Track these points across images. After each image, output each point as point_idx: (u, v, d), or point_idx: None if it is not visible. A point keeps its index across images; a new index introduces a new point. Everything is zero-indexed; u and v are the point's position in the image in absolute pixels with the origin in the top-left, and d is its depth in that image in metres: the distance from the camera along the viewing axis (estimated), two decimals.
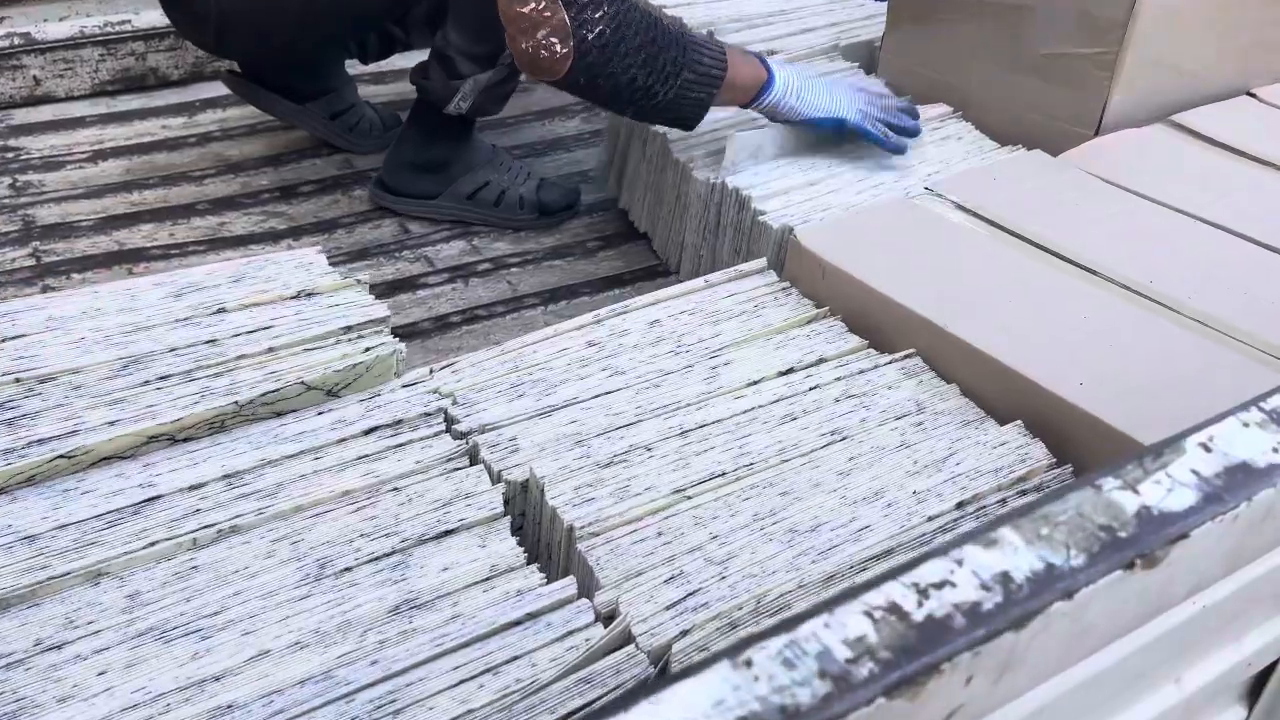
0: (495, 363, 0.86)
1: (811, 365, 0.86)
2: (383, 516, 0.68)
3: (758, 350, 0.87)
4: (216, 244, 1.31)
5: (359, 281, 0.92)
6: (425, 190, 1.35)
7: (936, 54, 1.33)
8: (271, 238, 1.33)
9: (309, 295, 0.90)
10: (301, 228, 1.36)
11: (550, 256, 1.33)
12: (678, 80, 1.08)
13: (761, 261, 1.00)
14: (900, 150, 1.17)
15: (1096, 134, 1.19)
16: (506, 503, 0.73)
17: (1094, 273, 0.92)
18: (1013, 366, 0.80)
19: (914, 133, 1.19)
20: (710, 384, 0.83)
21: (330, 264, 0.94)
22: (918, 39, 1.35)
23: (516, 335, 1.21)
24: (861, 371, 0.84)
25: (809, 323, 0.92)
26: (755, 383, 0.83)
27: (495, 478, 0.74)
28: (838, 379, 0.83)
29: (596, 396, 0.81)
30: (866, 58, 1.45)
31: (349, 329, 0.86)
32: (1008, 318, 0.86)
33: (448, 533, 0.68)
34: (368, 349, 0.83)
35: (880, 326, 0.90)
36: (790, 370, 0.85)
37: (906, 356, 0.86)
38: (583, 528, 0.68)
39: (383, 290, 1.24)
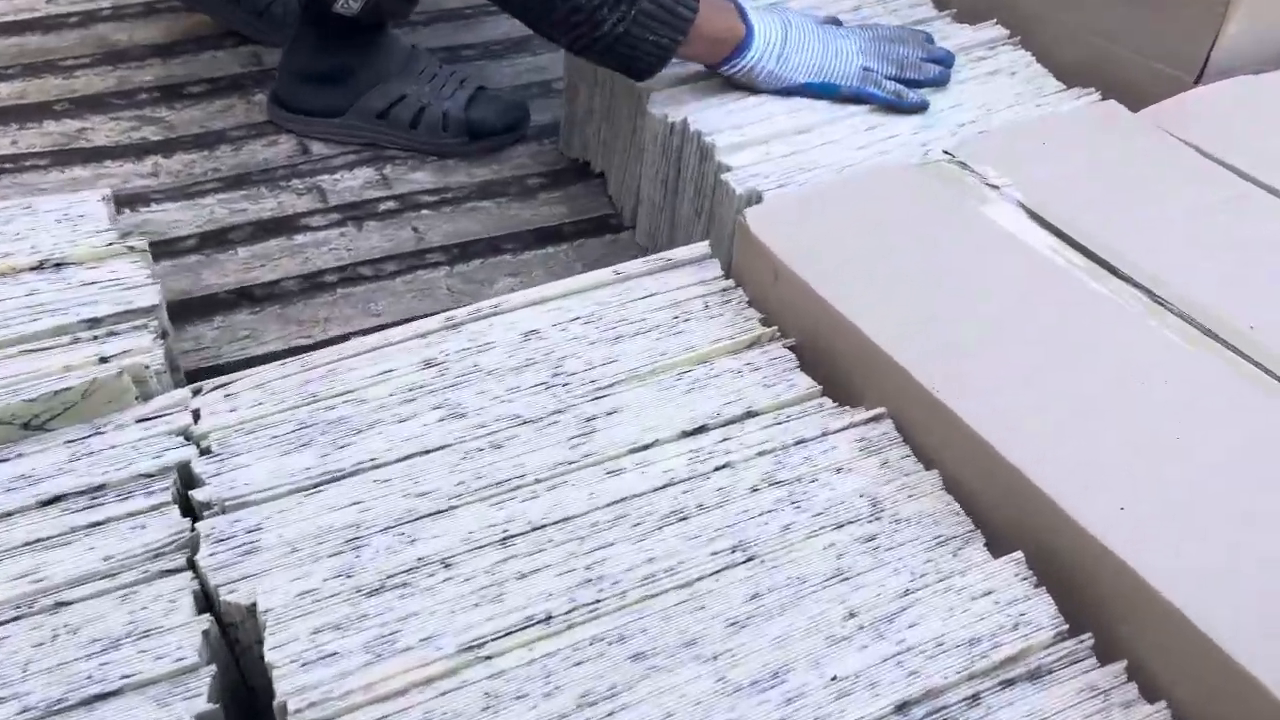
0: (291, 384, 0.62)
1: (733, 422, 0.60)
2: (6, 664, 0.45)
3: (661, 392, 0.61)
4: (64, 158, 1.06)
5: (132, 248, 0.67)
6: (327, 106, 1.08)
7: None
8: (135, 153, 1.07)
9: (56, 266, 0.65)
10: (178, 141, 1.10)
11: (476, 195, 1.06)
12: (632, 9, 0.79)
13: (703, 247, 0.73)
14: (920, 108, 0.87)
15: (1198, 82, 0.88)
16: (226, 634, 0.49)
17: (1179, 313, 0.64)
18: (1021, 468, 0.53)
19: (939, 82, 0.89)
20: (577, 448, 0.58)
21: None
22: None
23: (405, 304, 0.95)
24: (801, 442, 0.58)
25: (746, 348, 0.65)
26: (644, 448, 0.58)
27: (207, 601, 0.50)
28: (764, 452, 0.57)
29: (405, 459, 0.57)
30: None
31: (94, 323, 0.62)
32: (1028, 384, 0.58)
33: (98, 698, 0.45)
34: (104, 359, 0.59)
35: (843, 365, 0.63)
36: (700, 430, 0.59)
37: (872, 420, 0.60)
38: (301, 710, 0.44)
39: (248, 234, 0.99)
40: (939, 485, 0.56)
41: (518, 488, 0.55)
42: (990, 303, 0.63)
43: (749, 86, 0.89)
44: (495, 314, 0.67)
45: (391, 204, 1.03)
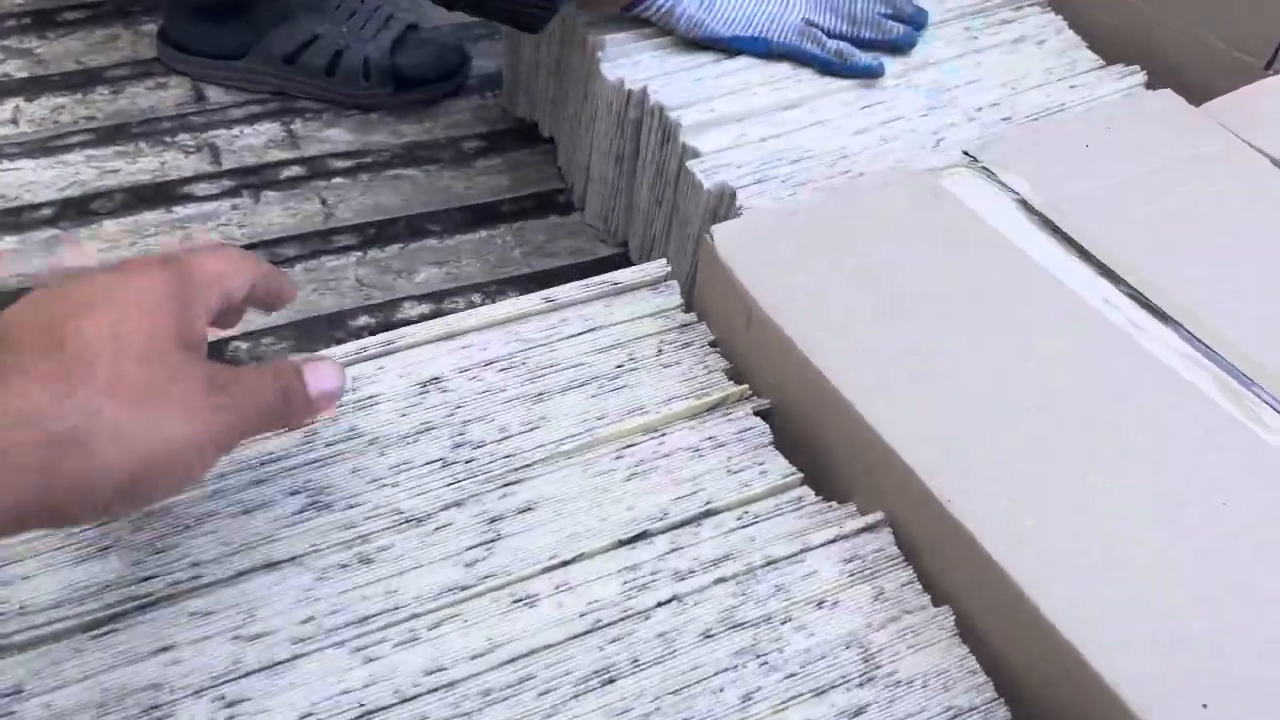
0: None
1: (685, 524, 0.46)
2: None
3: (595, 477, 0.47)
4: None
5: None
6: (223, 47, 0.90)
7: None
8: None
9: None
10: (46, 80, 0.92)
11: (401, 160, 0.89)
12: None
13: (659, 267, 0.58)
14: (869, 73, 0.72)
15: (1269, 68, 0.73)
16: None
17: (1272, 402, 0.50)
18: (1065, 633, 0.40)
19: (902, 45, 0.74)
20: (475, 565, 0.43)
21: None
22: None
23: (304, 299, 0.74)
24: (772, 563, 0.44)
25: (708, 412, 0.51)
26: (564, 564, 0.44)
27: None
28: (723, 579, 0.43)
29: (239, 576, 0.42)
30: None
31: None
32: (1079, 508, 0.44)
33: None
34: None
35: (829, 444, 0.49)
36: (641, 537, 0.45)
37: (866, 530, 0.46)
38: None
39: (118, 202, 0.82)
40: (951, 629, 0.42)
41: (388, 626, 0.41)
42: (1030, 379, 0.48)
43: (669, 30, 0.73)
44: (387, 352, 0.52)
45: (297, 169, 0.87)
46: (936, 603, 0.43)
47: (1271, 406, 0.48)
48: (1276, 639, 0.39)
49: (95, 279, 0.34)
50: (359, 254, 0.81)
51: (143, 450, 0.32)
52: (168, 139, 0.88)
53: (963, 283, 0.53)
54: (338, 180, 0.86)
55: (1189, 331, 0.51)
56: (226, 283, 0.38)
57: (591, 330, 0.54)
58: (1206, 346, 0.50)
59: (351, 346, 0.52)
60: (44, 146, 0.86)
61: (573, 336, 0.54)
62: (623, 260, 0.82)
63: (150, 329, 0.33)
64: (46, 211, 0.81)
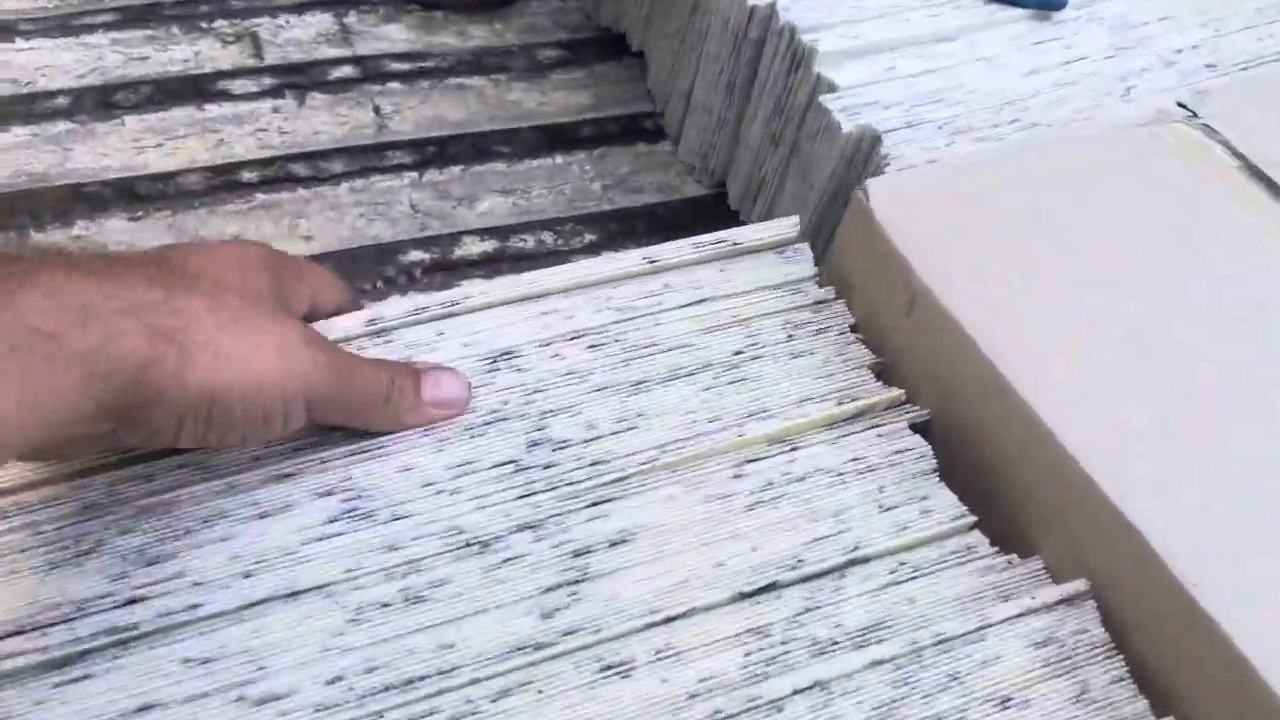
0: None
1: (824, 575, 0.35)
2: None
3: (708, 504, 0.36)
4: None
5: None
6: None
7: None
8: None
9: None
10: None
11: (466, 68, 0.77)
12: None
13: (789, 226, 0.46)
14: (1050, 4, 0.59)
15: None
16: None
17: None
18: None
19: None
20: (553, 617, 0.33)
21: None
22: None
23: (350, 225, 0.62)
24: (944, 641, 0.34)
25: (849, 421, 0.40)
26: (667, 621, 0.33)
27: None
28: (878, 661, 0.33)
29: (248, 608, 0.32)
30: None
31: None
32: None
33: None
34: None
35: (1015, 482, 0.38)
36: (767, 589, 0.35)
37: (1065, 602, 0.35)
38: None
39: (144, 96, 0.70)
40: None
41: (440, 693, 0.31)
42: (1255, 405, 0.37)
43: None
44: (449, 314, 0.41)
45: (349, 70, 0.75)
46: (1158, 709, 0.33)
47: None
48: None
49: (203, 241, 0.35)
50: (414, 175, 0.70)
51: (234, 370, 0.31)
52: (204, 25, 0.76)
53: (1190, 270, 0.41)
54: (394, 86, 0.75)
55: None
56: (320, 294, 0.39)
57: (703, 302, 0.43)
58: None
59: (408, 305, 0.41)
60: (65, 25, 0.75)
61: (679, 309, 0.43)
62: (719, 204, 0.70)
63: (251, 281, 0.34)
64: (63, 101, 0.70)
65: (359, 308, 0.41)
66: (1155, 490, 0.34)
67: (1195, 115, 0.49)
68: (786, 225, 0.46)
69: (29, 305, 0.27)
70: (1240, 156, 0.47)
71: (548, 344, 0.41)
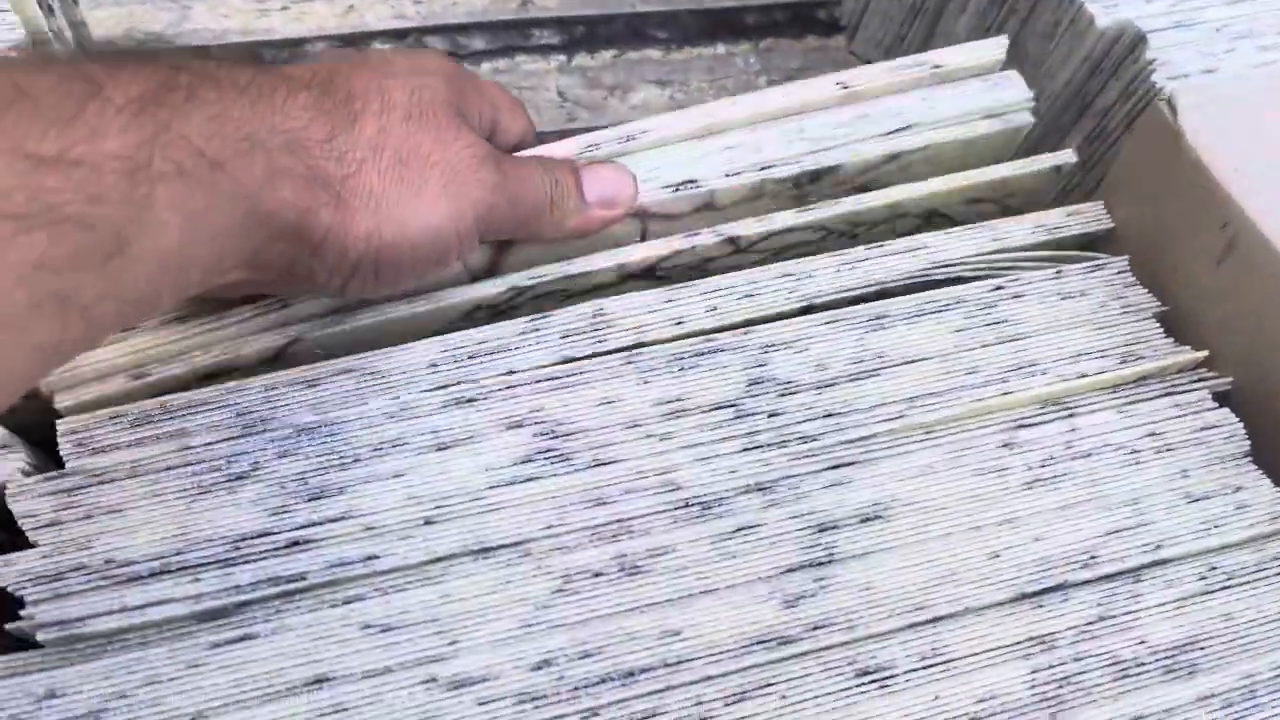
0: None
1: (1117, 576, 0.28)
2: None
3: (972, 474, 0.29)
4: None
5: None
6: None
7: None
8: None
9: None
10: None
11: None
12: None
13: (998, 45, 0.37)
14: None
15: None
16: None
17: None
18: None
19: None
20: (797, 606, 0.26)
21: None
22: None
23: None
24: (1278, 676, 0.27)
25: (1135, 385, 0.33)
26: (932, 620, 0.27)
27: None
28: (1204, 696, 0.26)
29: (420, 566, 0.27)
30: None
31: None
32: None
33: None
34: None
35: None
36: (1053, 591, 0.28)
37: None
38: None
39: None
40: None
41: (665, 690, 0.25)
42: None
43: None
44: (625, 150, 0.34)
45: None
46: None
47: None
48: None
49: (375, 50, 0.32)
50: (562, 58, 0.62)
51: (400, 220, 0.29)
52: None
53: None
54: None
55: None
56: (502, 115, 0.35)
57: (907, 129, 0.35)
58: None
59: (579, 143, 0.35)
60: None
61: (879, 139, 0.35)
62: None
63: (422, 90, 0.31)
64: None
65: (537, 141, 0.37)
66: None
67: None
68: (992, 47, 0.38)
69: (195, 126, 0.24)
70: None
71: (737, 174, 0.34)
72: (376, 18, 0.63)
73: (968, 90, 0.38)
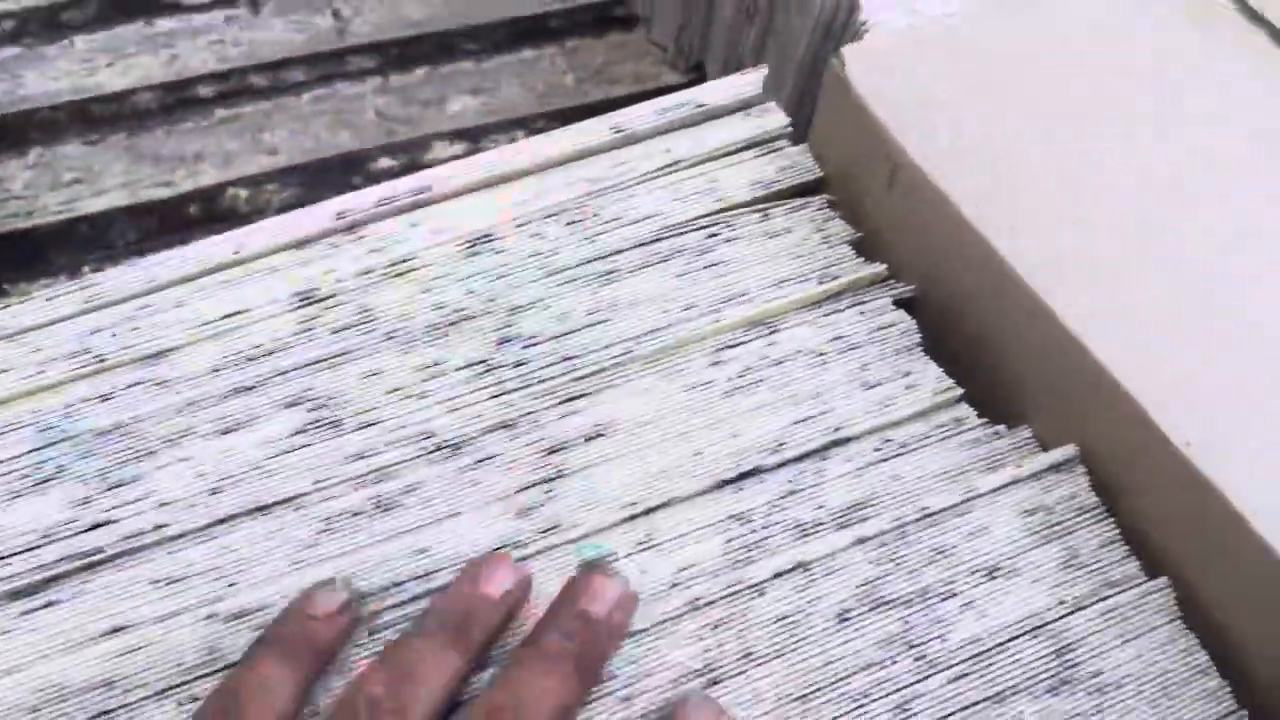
0: (64, 338, 0.36)
1: (805, 458, 0.34)
2: None
3: (685, 392, 0.35)
4: None
5: None
6: None
7: None
8: None
9: None
10: None
11: None
12: None
13: (754, 80, 0.44)
14: None
15: None
16: None
17: None
18: None
19: None
20: (528, 514, 0.32)
21: None
22: None
23: (315, 134, 0.57)
24: (928, 516, 0.33)
25: (830, 300, 0.38)
26: (644, 513, 0.32)
27: None
28: (862, 539, 0.32)
29: (215, 525, 0.32)
30: None
31: None
32: None
33: None
34: None
35: (1004, 352, 0.37)
36: (749, 475, 0.34)
37: (1054, 469, 0.34)
38: None
39: (91, 13, 0.67)
40: (1171, 610, 0.32)
41: (414, 598, 0.30)
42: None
43: None
44: (419, 204, 0.40)
45: None
46: (1150, 571, 0.32)
47: None
48: None
49: None
50: (379, 79, 0.67)
51: None
52: None
53: (1187, 124, 0.39)
54: None
55: None
56: None
57: (673, 168, 0.41)
58: None
59: (375, 195, 0.40)
60: None
61: (651, 178, 0.41)
62: None
63: None
64: (8, 25, 0.67)
65: None
66: (1147, 352, 0.33)
67: None
68: (751, 80, 0.44)
69: None
70: (1255, 18, 0.44)
71: (523, 223, 0.39)
72: (201, 63, 0.67)
73: (730, 123, 0.43)
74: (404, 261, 0.38)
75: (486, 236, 0.39)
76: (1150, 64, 0.41)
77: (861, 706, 0.29)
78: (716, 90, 0.44)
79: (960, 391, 0.36)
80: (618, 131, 0.42)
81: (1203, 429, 0.31)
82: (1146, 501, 0.33)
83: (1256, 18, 0.43)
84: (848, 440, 0.35)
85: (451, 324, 0.37)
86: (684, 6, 0.65)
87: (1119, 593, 0.32)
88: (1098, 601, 0.31)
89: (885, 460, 0.34)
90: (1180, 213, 0.37)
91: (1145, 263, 0.35)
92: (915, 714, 0.29)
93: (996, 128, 0.39)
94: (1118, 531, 0.33)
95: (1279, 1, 0.43)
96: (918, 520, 0.32)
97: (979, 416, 0.36)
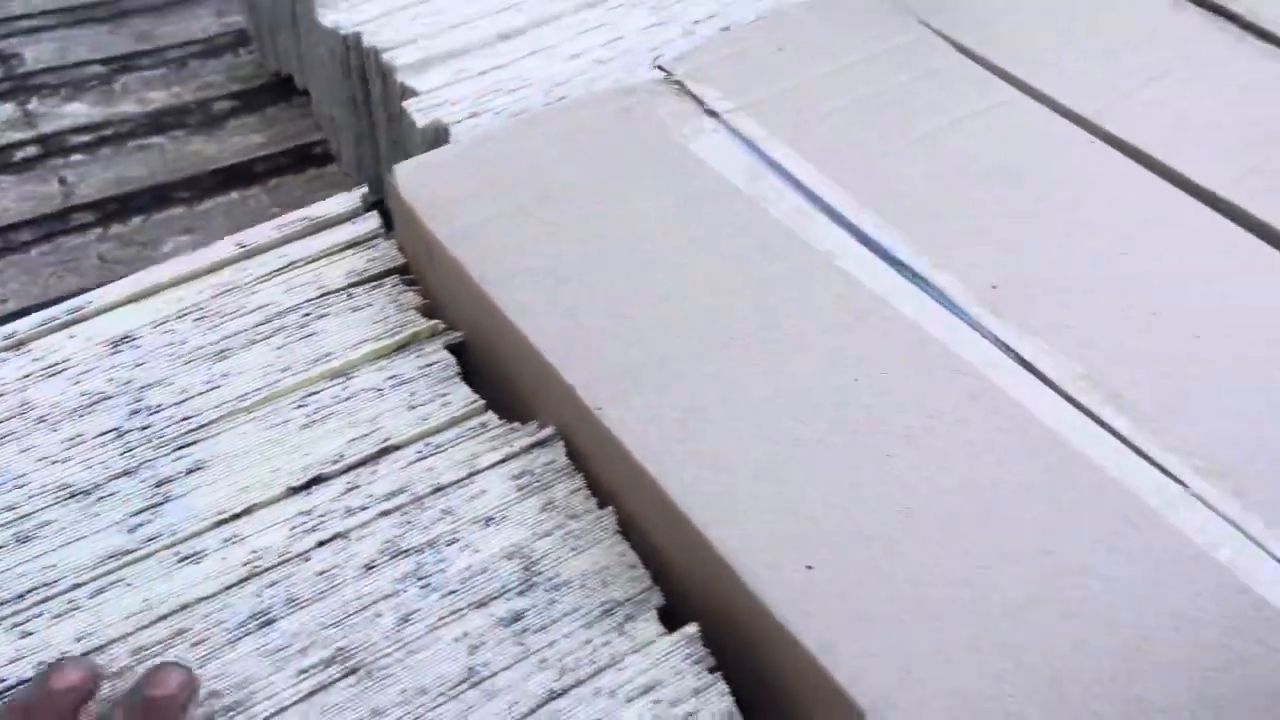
0: None
1: (361, 465, 0.46)
2: None
3: (271, 429, 0.46)
4: None
5: None
6: None
7: None
8: None
9: None
10: None
11: (146, 129, 0.86)
12: None
13: (355, 198, 0.57)
14: None
15: None
16: None
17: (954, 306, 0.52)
18: (695, 522, 0.42)
19: None
20: (139, 530, 0.43)
21: None
22: None
23: (44, 283, 0.70)
24: (439, 490, 0.45)
25: (397, 352, 0.51)
26: (234, 518, 0.44)
27: None
28: (389, 511, 0.44)
29: None
30: None
31: None
32: (719, 410, 0.47)
33: None
34: None
35: (514, 372, 0.50)
36: (315, 482, 0.46)
37: (537, 444, 0.47)
38: None
39: None
40: (612, 529, 0.44)
41: (45, 600, 0.41)
42: (695, 288, 0.50)
43: None
44: (77, 319, 0.51)
45: (33, 149, 0.83)
46: (602, 506, 0.45)
47: (928, 295, 0.50)
48: (882, 501, 0.42)
49: None
50: (100, 230, 0.78)
51: None
52: None
53: (638, 199, 0.54)
54: (77, 157, 0.83)
55: (846, 219, 0.53)
56: None
57: (283, 271, 0.54)
58: (866, 235, 0.53)
59: (40, 316, 0.51)
60: None
61: (263, 281, 0.54)
62: (383, 208, 0.81)
63: None
64: None
65: None
66: (592, 359, 0.47)
67: (670, 74, 0.62)
68: (353, 198, 0.57)
69: None
70: (699, 102, 0.60)
71: (160, 323, 0.51)
72: None
73: (336, 231, 0.56)
74: (59, 364, 0.50)
75: (128, 337, 0.51)
76: (633, 162, 0.56)
77: (375, 623, 0.41)
78: (325, 207, 0.57)
79: (483, 403, 0.49)
80: (242, 247, 0.55)
81: (610, 401, 0.45)
82: (598, 463, 0.46)
83: (739, 134, 0.59)
84: (396, 448, 0.47)
85: (93, 404, 0.48)
86: (356, 141, 0.79)
87: (576, 522, 0.44)
88: (559, 530, 0.44)
89: (423, 459, 0.47)
90: (649, 271, 0.51)
91: (608, 299, 0.49)
92: (414, 623, 0.41)
93: (508, 213, 0.53)
94: (584, 483, 0.46)
95: (752, 121, 0.60)
96: (432, 493, 0.45)
97: (500, 419, 0.49)
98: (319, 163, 0.85)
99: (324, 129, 0.87)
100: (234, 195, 0.82)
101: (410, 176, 0.54)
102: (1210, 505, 0.42)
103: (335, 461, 0.46)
